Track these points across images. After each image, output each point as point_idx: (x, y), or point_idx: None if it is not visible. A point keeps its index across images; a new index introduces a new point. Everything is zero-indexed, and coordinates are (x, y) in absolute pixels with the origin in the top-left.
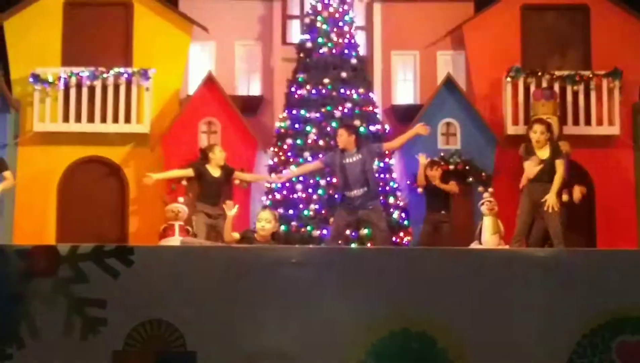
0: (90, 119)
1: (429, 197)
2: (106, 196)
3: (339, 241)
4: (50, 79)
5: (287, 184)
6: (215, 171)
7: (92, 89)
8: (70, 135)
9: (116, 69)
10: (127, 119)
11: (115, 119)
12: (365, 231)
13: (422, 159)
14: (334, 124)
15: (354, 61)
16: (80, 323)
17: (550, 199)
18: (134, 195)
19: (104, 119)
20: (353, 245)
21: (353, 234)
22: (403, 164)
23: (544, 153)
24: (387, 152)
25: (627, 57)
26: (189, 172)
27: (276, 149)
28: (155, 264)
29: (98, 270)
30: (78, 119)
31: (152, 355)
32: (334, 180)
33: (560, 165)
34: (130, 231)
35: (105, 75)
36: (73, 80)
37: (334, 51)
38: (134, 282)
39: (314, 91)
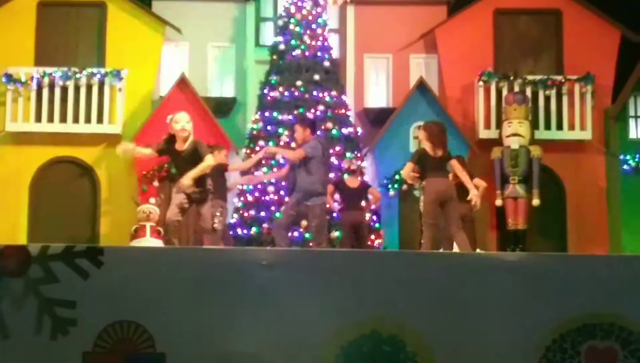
0: (63, 119)
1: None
2: (78, 197)
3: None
4: (23, 79)
5: (259, 186)
6: None
7: (64, 90)
8: (43, 135)
9: (89, 70)
10: (100, 120)
11: (88, 120)
12: (336, 233)
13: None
14: None
15: (326, 63)
16: (50, 323)
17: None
18: (106, 196)
19: (76, 120)
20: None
21: None
22: (376, 167)
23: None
24: None
25: (599, 62)
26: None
27: (248, 151)
28: (125, 265)
29: (68, 271)
30: (50, 119)
31: (122, 356)
32: None
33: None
34: (101, 232)
35: (78, 75)
36: (46, 80)
37: (306, 53)
38: (103, 283)
39: (286, 93)
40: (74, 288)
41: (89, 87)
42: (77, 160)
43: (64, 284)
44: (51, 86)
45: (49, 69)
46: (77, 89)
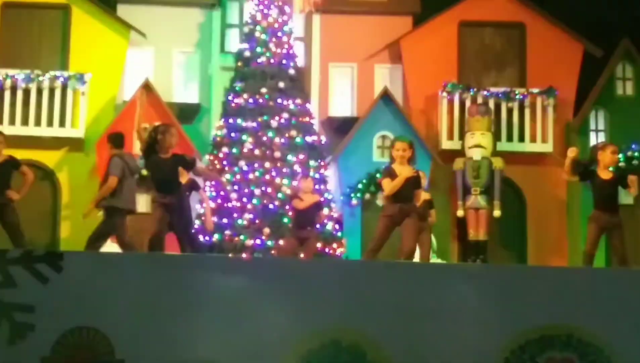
0: (25, 122)
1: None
2: (38, 201)
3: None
4: None
5: (222, 193)
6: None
7: (27, 92)
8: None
9: (52, 73)
10: (62, 123)
11: (50, 123)
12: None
13: None
14: (270, 133)
15: (291, 71)
16: (8, 328)
17: None
18: (66, 200)
19: (38, 123)
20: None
21: None
22: (339, 175)
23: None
24: None
25: (562, 75)
26: None
27: (212, 158)
28: (85, 270)
29: (27, 275)
30: (12, 121)
31: (80, 362)
32: (269, 190)
33: None
34: (61, 236)
35: (41, 78)
36: (8, 82)
37: (272, 60)
38: (63, 288)
39: (251, 100)
40: (33, 293)
41: (52, 91)
42: (38, 163)
43: (22, 289)
44: (13, 89)
45: (11, 71)
46: (39, 92)
